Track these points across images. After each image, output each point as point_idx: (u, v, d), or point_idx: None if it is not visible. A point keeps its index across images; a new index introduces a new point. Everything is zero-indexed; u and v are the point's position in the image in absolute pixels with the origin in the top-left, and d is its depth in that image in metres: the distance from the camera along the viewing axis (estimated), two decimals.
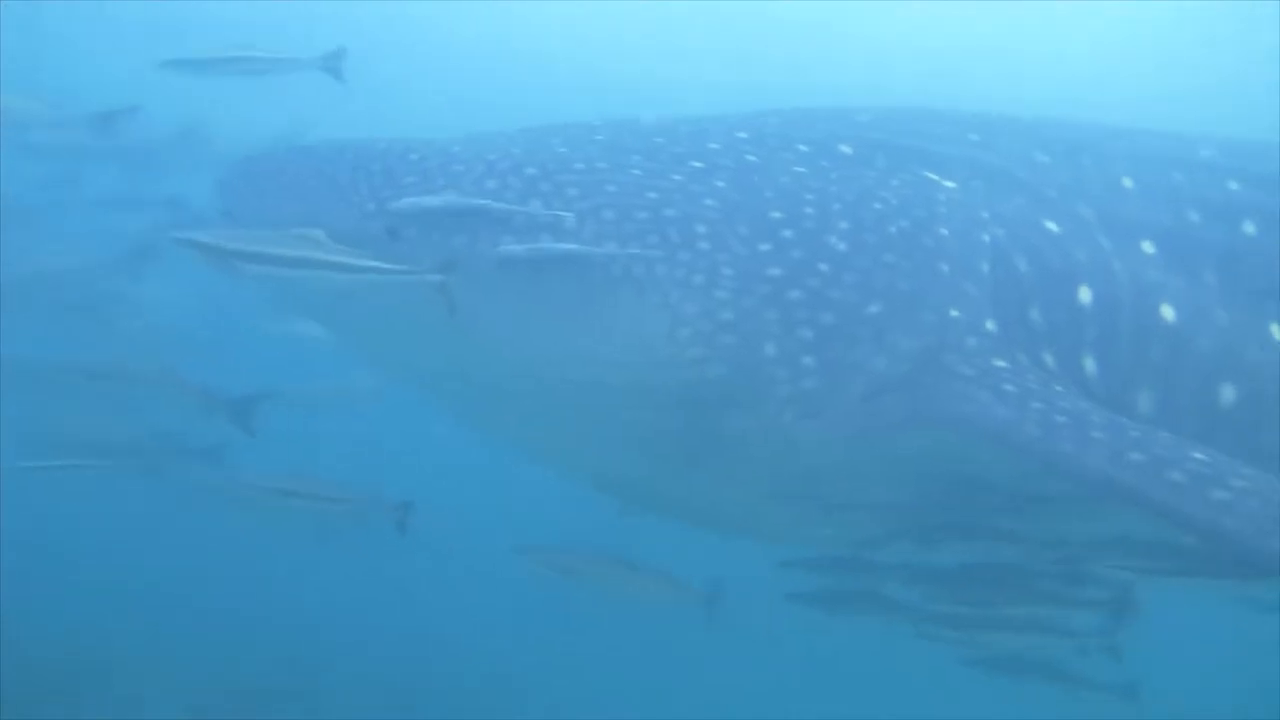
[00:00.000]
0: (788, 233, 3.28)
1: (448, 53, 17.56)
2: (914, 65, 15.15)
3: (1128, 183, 3.69)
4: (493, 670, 7.99)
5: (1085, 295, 3.40)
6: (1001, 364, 3.21)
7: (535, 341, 3.29)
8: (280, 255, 3.24)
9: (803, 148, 3.61)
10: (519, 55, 17.00)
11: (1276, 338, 3.49)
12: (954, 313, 3.27)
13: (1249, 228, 3.64)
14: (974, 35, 16.50)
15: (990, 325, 3.30)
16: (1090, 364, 3.34)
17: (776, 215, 3.32)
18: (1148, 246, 3.54)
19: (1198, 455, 2.84)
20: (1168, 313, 3.42)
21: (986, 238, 3.42)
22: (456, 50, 17.69)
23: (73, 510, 6.52)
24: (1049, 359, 3.31)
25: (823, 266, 3.24)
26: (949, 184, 3.57)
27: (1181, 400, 3.36)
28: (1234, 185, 3.71)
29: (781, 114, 3.88)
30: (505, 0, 16.95)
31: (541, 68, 16.37)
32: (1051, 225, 3.52)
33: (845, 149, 3.63)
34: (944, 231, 3.39)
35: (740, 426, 3.26)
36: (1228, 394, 3.39)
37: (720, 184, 3.39)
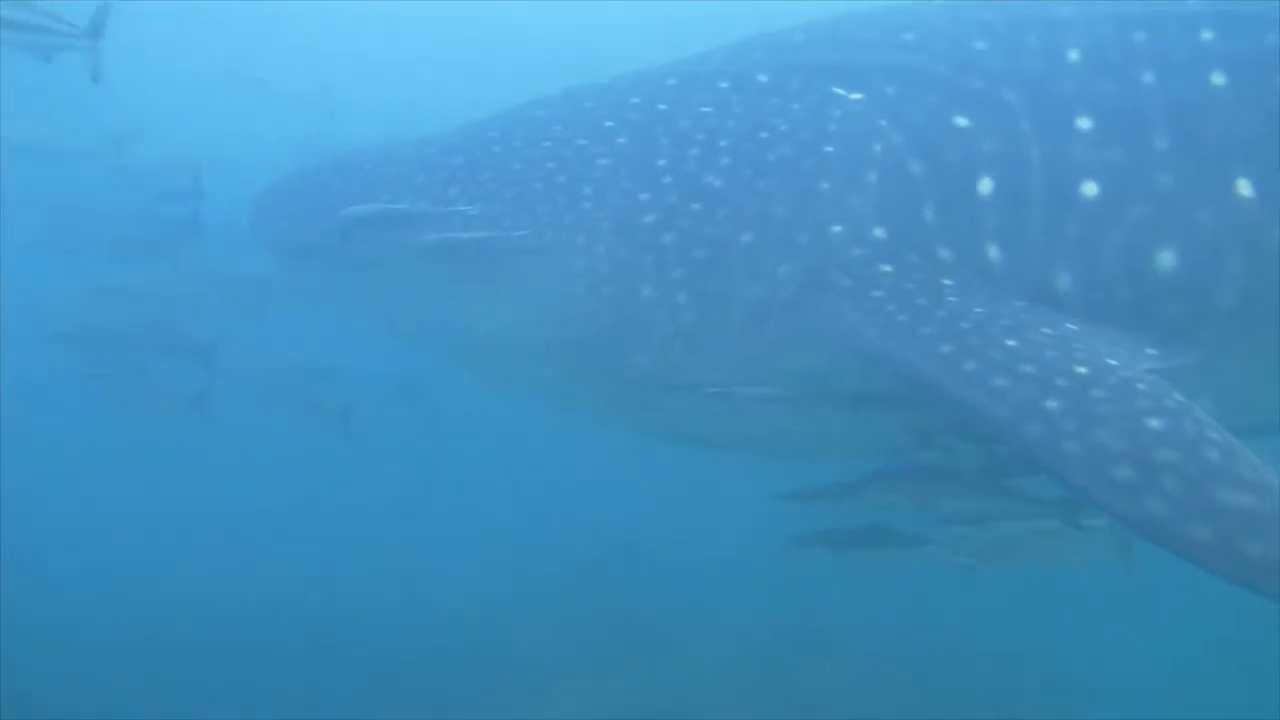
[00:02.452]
0: (668, 179, 3.47)
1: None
2: None
3: (1073, 55, 3.45)
4: None
5: (985, 186, 3.26)
6: (887, 268, 3.20)
7: (463, 314, 3.74)
8: None
9: (723, 84, 3.73)
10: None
11: (1242, 194, 3.13)
12: (836, 228, 3.29)
13: (1218, 79, 3.26)
14: None
15: (879, 232, 3.29)
16: (994, 251, 3.24)
17: (662, 163, 3.50)
18: (1082, 122, 3.30)
19: (1061, 382, 2.70)
20: (1089, 189, 3.22)
21: (878, 147, 3.38)
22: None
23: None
24: (944, 253, 3.25)
25: (695, 205, 3.39)
26: (855, 96, 3.53)
27: (1108, 273, 3.18)
28: (1207, 35, 3.35)
29: (726, 49, 3.98)
30: None
31: None
32: (961, 120, 3.39)
33: (763, 78, 3.70)
34: (829, 149, 3.40)
35: (642, 365, 3.50)
36: (1165, 259, 3.13)
37: (621, 140, 3.63)
